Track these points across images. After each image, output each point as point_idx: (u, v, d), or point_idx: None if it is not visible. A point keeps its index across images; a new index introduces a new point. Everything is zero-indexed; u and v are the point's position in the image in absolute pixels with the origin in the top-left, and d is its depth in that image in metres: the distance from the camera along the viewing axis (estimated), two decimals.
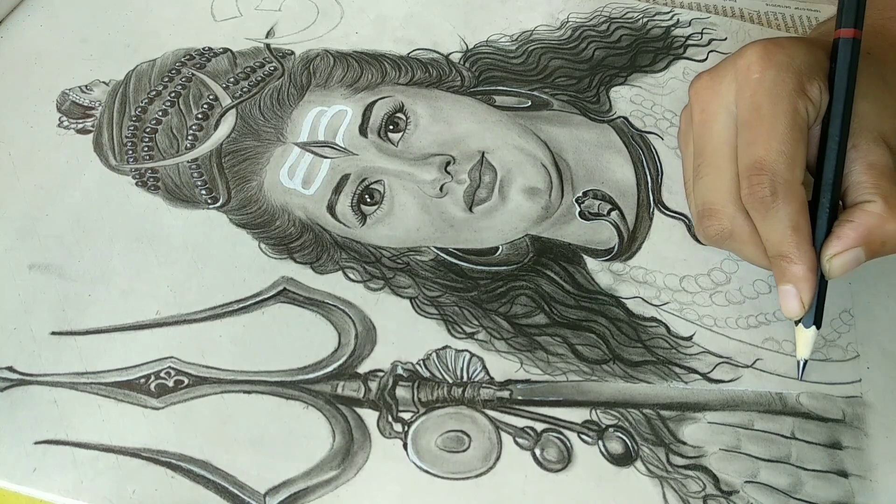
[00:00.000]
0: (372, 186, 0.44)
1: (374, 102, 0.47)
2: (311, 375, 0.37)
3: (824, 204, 0.35)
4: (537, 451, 0.35)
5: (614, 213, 0.44)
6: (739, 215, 0.36)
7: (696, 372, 0.38)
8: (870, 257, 0.35)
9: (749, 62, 0.36)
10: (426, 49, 0.51)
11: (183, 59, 0.50)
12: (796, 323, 0.36)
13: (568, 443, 0.36)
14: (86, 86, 0.49)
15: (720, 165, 0.37)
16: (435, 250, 0.42)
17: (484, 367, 0.38)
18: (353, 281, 0.41)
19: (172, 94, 0.48)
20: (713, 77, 0.38)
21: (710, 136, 0.37)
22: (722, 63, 0.38)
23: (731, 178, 0.36)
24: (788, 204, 0.34)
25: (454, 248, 0.42)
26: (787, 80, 0.35)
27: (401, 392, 0.37)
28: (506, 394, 0.37)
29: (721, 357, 0.38)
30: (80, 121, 0.47)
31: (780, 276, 0.35)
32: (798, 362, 0.37)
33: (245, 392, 0.37)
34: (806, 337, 0.36)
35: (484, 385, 0.37)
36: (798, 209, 0.34)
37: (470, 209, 0.43)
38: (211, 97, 0.48)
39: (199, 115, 0.47)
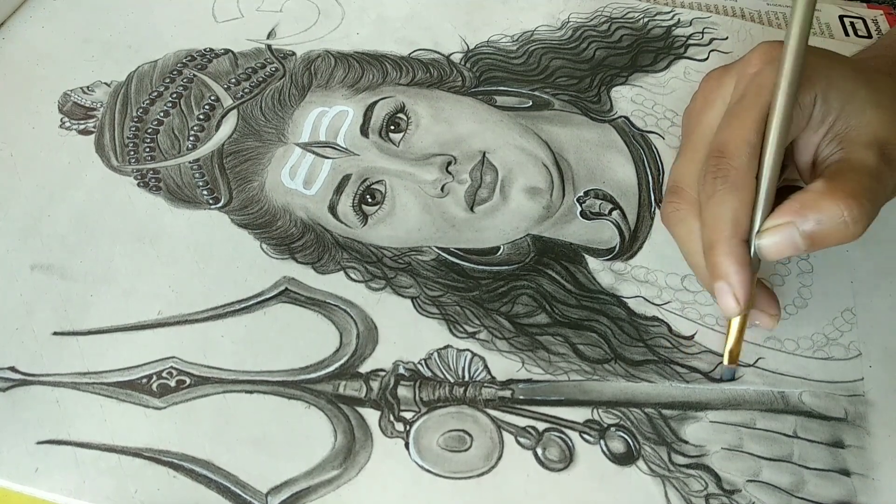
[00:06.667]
0: (373, 186, 0.44)
1: (375, 103, 0.47)
2: (312, 375, 0.37)
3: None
4: (539, 451, 0.35)
5: (615, 213, 0.44)
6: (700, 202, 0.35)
7: (697, 371, 0.38)
8: (808, 244, 0.33)
9: (752, 57, 0.37)
10: (427, 49, 0.51)
11: (184, 60, 0.50)
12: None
13: (570, 442, 0.36)
14: (87, 87, 0.49)
15: (700, 149, 0.37)
16: (436, 250, 0.42)
17: (485, 366, 0.38)
18: (355, 281, 0.41)
19: (174, 95, 0.48)
20: (723, 70, 0.38)
21: (701, 121, 0.38)
22: (736, 60, 0.38)
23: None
24: (735, 192, 0.33)
25: (455, 248, 0.42)
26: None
27: (402, 391, 0.37)
28: (507, 393, 0.37)
29: (723, 356, 0.38)
30: (82, 122, 0.47)
31: (712, 271, 0.34)
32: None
33: (247, 392, 0.37)
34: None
35: (485, 384, 0.37)
36: (743, 201, 0.34)
37: (471, 209, 0.43)
38: (212, 98, 0.48)
39: (201, 116, 0.47)
